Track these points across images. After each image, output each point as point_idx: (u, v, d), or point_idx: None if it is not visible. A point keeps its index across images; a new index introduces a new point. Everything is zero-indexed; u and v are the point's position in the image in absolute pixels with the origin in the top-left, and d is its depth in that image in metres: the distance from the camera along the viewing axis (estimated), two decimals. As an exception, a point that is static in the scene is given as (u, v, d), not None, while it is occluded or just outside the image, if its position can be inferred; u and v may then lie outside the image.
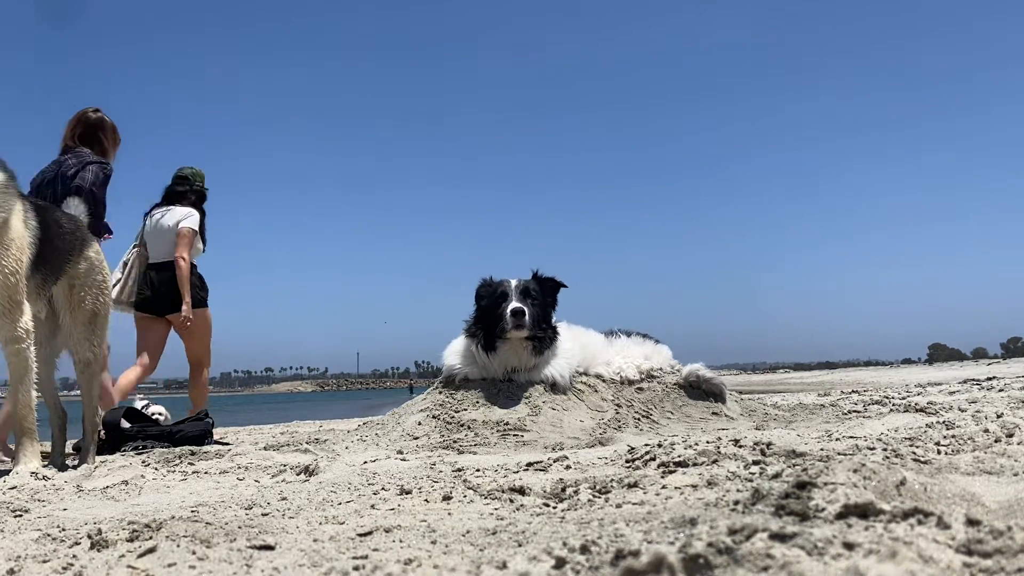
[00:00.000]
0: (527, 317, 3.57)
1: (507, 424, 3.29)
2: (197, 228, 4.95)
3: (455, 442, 3.08)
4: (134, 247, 5.08)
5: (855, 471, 1.24)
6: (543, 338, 3.70)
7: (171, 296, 4.85)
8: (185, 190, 5.07)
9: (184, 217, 4.91)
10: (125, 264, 5.00)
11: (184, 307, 4.78)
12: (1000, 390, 4.80)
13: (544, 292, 3.81)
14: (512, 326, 3.58)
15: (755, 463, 1.77)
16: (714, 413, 3.79)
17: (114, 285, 4.71)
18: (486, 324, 3.72)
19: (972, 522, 0.97)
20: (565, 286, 3.90)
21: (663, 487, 1.58)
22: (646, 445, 2.25)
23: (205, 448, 3.47)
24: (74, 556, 1.27)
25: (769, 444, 2.06)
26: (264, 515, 1.64)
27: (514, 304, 3.59)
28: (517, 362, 3.68)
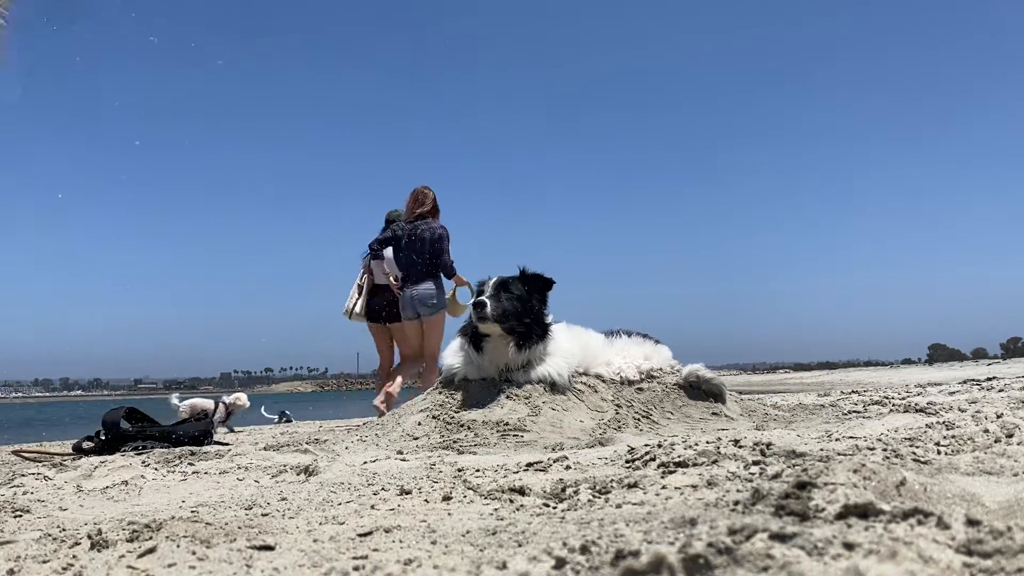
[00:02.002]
0: (488, 309, 3.60)
1: (507, 424, 3.29)
2: (369, 248, 6.48)
3: (455, 442, 3.08)
4: (363, 274, 6.68)
5: (855, 471, 1.24)
6: (525, 333, 3.70)
7: (391, 310, 6.43)
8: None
9: None
10: (360, 287, 6.63)
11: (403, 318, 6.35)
12: (1000, 390, 4.80)
13: (530, 289, 3.81)
14: (476, 318, 3.64)
15: (755, 463, 1.77)
16: (714, 413, 3.79)
17: (352, 303, 6.60)
18: (471, 322, 3.78)
19: (972, 522, 0.97)
20: (553, 282, 3.91)
21: (663, 487, 1.58)
22: (646, 445, 2.24)
23: (205, 448, 3.47)
24: (74, 556, 1.28)
25: (769, 444, 2.06)
26: (264, 515, 1.64)
27: (480, 298, 3.65)
28: (502, 358, 3.70)
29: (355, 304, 6.59)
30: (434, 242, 6.10)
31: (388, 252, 6.35)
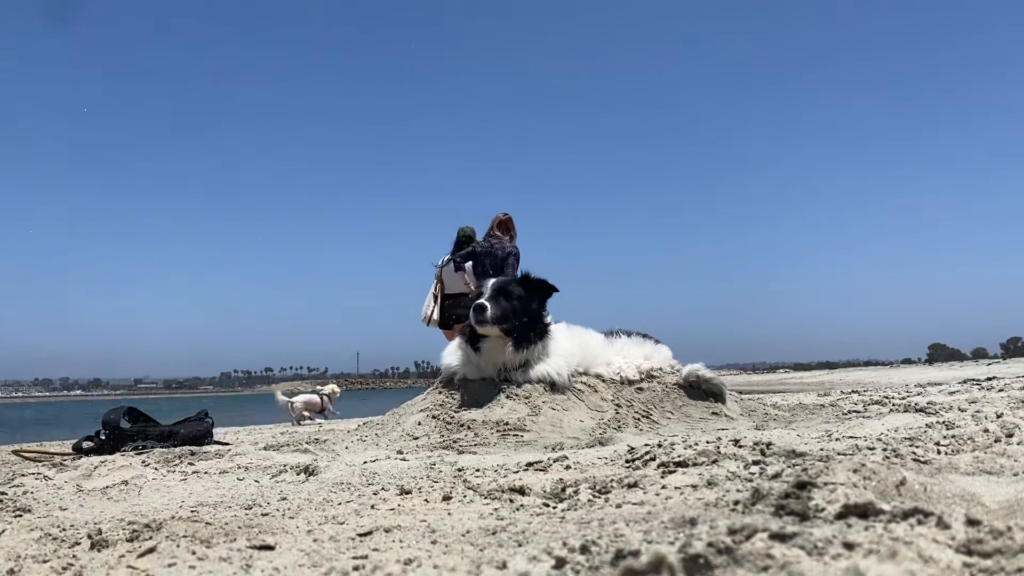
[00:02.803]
0: (488, 312, 3.63)
1: (507, 424, 3.29)
2: (448, 258, 7.42)
3: (455, 442, 3.08)
4: (436, 283, 7.42)
5: (855, 471, 1.24)
6: (523, 334, 3.72)
7: (464, 316, 6.49)
8: (467, 243, 7.39)
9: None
10: (435, 296, 7.41)
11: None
12: (1000, 390, 4.80)
13: (530, 292, 3.84)
14: (474, 321, 3.67)
15: (755, 463, 1.77)
16: (714, 413, 3.79)
17: (430, 311, 7.32)
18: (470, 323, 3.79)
19: (972, 522, 0.97)
20: (556, 290, 3.92)
21: (663, 487, 1.58)
22: (646, 445, 2.24)
23: (205, 448, 3.47)
24: (74, 556, 1.28)
25: (769, 444, 2.06)
26: (264, 515, 1.64)
27: (480, 300, 3.68)
28: (500, 358, 3.71)
29: (432, 311, 7.42)
30: (504, 259, 7.09)
31: (468, 265, 7.32)
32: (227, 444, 4.12)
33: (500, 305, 3.68)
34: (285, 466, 2.51)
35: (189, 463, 2.74)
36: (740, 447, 2.05)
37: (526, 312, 3.76)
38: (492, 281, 3.86)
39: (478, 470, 2.12)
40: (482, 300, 3.69)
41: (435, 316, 7.35)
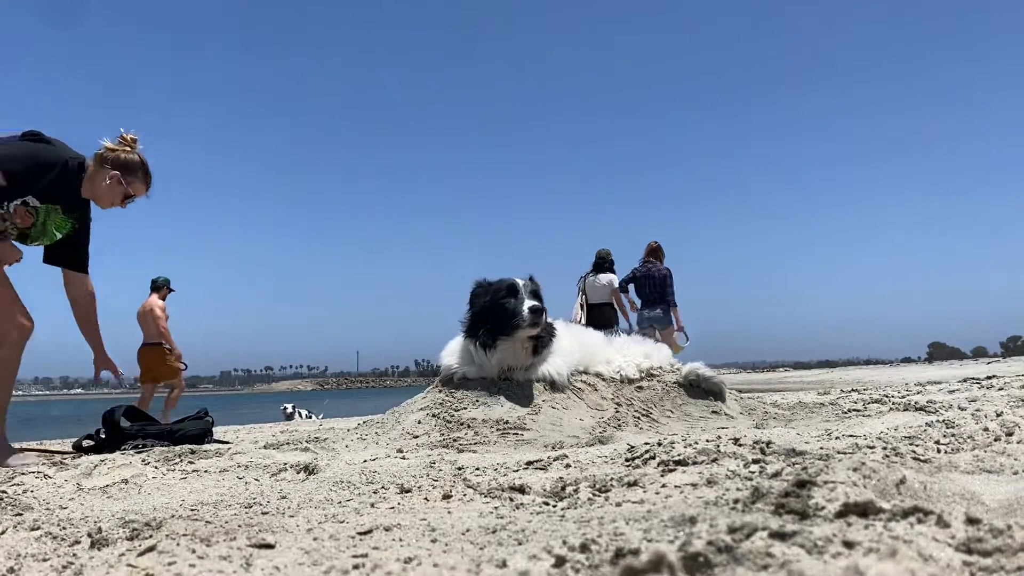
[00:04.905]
0: (544, 316, 3.57)
1: (507, 423, 3.28)
2: (618, 285, 9.07)
3: (455, 440, 3.08)
4: (581, 294, 9.11)
5: (855, 470, 1.24)
6: (543, 337, 3.70)
7: (608, 321, 8.80)
8: (606, 262, 9.14)
9: (612, 280, 9.09)
10: (581, 306, 9.01)
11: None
12: (1000, 389, 4.80)
13: (539, 290, 3.80)
14: (529, 323, 3.54)
15: (755, 462, 1.77)
16: (714, 412, 3.79)
17: (578, 317, 8.81)
18: (488, 323, 3.68)
19: (972, 521, 0.97)
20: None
21: (663, 486, 1.58)
22: (646, 444, 2.24)
23: (205, 447, 3.47)
24: (74, 555, 1.28)
25: (769, 443, 2.06)
26: (264, 514, 1.64)
27: (532, 302, 3.57)
28: (515, 361, 3.67)
29: (580, 318, 8.83)
30: (662, 279, 8.88)
31: (631, 287, 9.14)
32: (227, 443, 4.12)
33: (543, 307, 3.61)
34: (285, 465, 2.51)
35: (189, 462, 2.74)
36: (740, 446, 2.05)
37: (546, 312, 3.74)
38: (520, 280, 3.75)
39: (478, 469, 2.12)
40: (536, 303, 3.58)
41: (582, 321, 8.60)
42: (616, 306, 9.15)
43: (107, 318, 4.02)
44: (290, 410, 14.80)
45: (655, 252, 9.04)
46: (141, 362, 9.45)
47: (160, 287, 9.76)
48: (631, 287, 9.07)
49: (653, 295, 8.93)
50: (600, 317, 8.82)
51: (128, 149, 3.74)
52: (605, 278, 9.08)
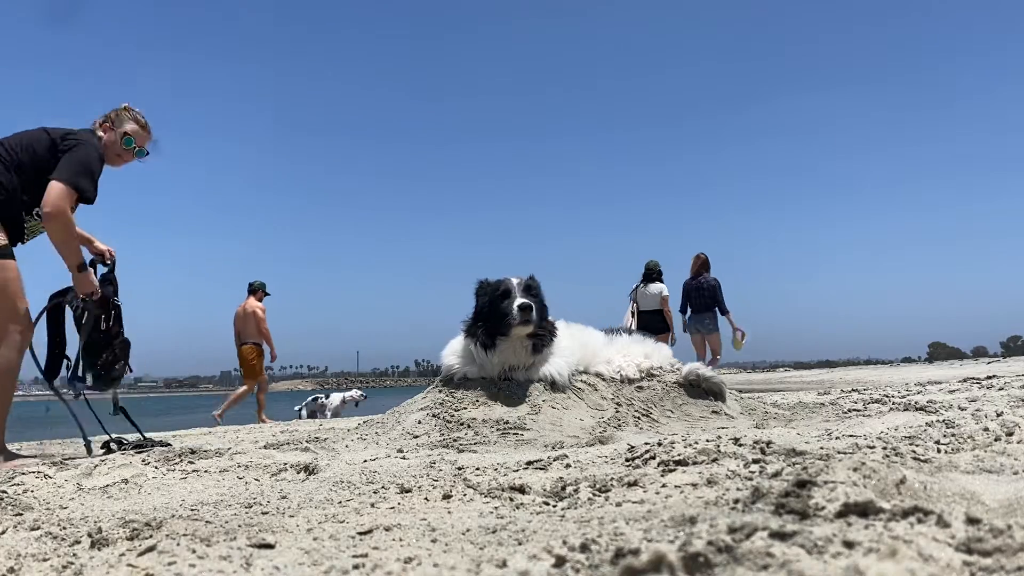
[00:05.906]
0: (534, 312, 3.56)
1: (507, 422, 3.28)
2: (667, 294, 9.79)
3: (455, 440, 3.08)
4: (632, 303, 9.83)
5: (855, 470, 1.24)
6: (543, 336, 3.69)
7: (658, 328, 9.48)
8: (655, 273, 9.80)
9: (662, 289, 9.74)
10: (632, 313, 9.74)
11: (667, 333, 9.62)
12: (1000, 389, 4.80)
13: (539, 290, 3.79)
14: (519, 321, 3.55)
15: (755, 462, 1.76)
16: (714, 412, 3.79)
17: (629, 324, 9.34)
18: (486, 322, 3.69)
19: (972, 521, 0.97)
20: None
21: (663, 486, 1.58)
22: (646, 444, 2.24)
23: (206, 447, 3.47)
24: (74, 555, 1.28)
25: (769, 443, 2.06)
26: (264, 514, 1.64)
27: (521, 300, 3.57)
28: (516, 360, 3.67)
29: (631, 324, 9.35)
30: (712, 289, 9.85)
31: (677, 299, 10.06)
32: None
33: (536, 305, 3.61)
34: (285, 464, 2.51)
35: (189, 461, 2.74)
36: (740, 446, 2.05)
37: (544, 314, 3.73)
38: (515, 279, 3.75)
39: (478, 468, 2.12)
40: (526, 300, 3.57)
41: (633, 327, 8.83)
42: (664, 314, 9.89)
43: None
44: (323, 399, 13.29)
45: (704, 264, 10.03)
46: (242, 360, 9.95)
47: (256, 290, 10.06)
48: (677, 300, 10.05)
49: (702, 304, 9.93)
50: (651, 323, 9.54)
51: (109, 119, 3.96)
52: (655, 287, 9.79)
